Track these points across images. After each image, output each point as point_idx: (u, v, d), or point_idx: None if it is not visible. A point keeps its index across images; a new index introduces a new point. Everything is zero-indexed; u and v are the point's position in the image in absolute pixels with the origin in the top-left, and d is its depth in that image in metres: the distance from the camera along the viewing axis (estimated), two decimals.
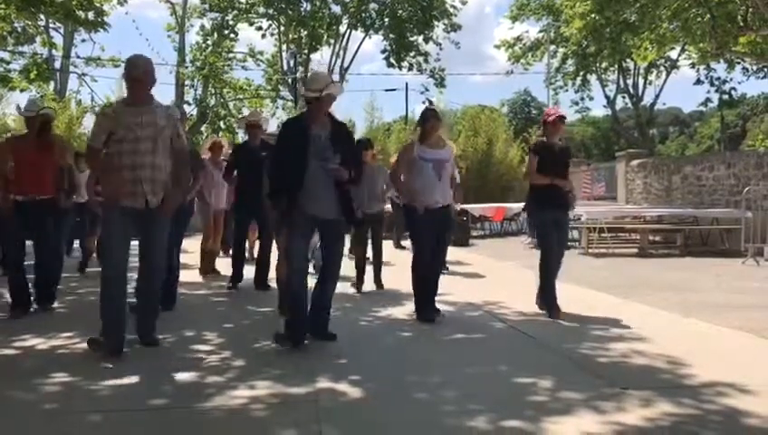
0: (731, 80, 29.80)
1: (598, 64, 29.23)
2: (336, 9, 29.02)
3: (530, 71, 32.10)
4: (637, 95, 31.67)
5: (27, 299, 6.37)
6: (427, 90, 29.82)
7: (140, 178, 4.78)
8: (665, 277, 9.40)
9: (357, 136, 22.80)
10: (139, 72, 4.85)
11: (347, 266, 8.63)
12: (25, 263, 6.44)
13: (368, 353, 4.98)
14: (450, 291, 7.53)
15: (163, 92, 29.74)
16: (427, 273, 6.17)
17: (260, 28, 29.36)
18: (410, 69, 29.47)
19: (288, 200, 4.99)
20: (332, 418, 3.50)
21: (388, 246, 8.43)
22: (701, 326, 5.81)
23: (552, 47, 30.45)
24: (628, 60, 26.74)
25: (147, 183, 4.80)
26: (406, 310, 6.53)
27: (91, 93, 29.08)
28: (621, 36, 19.86)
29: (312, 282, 5.21)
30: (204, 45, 29.30)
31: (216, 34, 29.11)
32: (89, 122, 23.57)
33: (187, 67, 28.38)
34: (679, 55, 27.80)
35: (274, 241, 6.73)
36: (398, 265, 7.84)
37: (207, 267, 9.27)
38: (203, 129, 28.91)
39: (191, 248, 9.80)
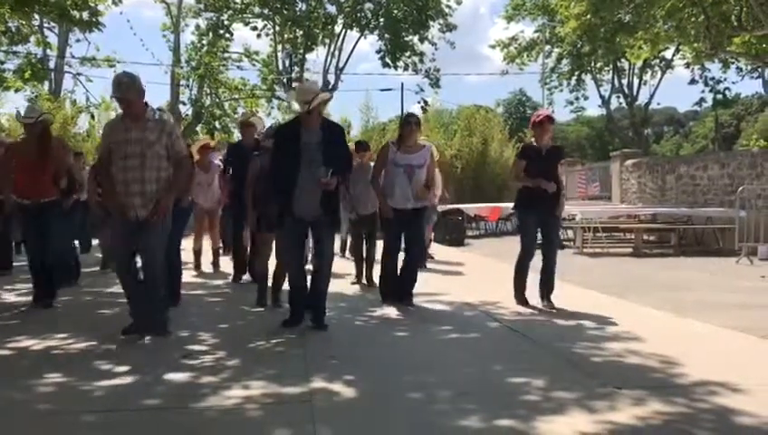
0: (725, 80, 30.11)
1: (593, 64, 29.29)
2: (331, 9, 29.01)
3: (525, 71, 32.19)
4: (631, 95, 31.75)
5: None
6: (422, 90, 29.87)
7: (131, 193, 5.07)
8: (659, 277, 9.43)
9: (352, 136, 22.88)
10: (121, 93, 5.06)
11: (347, 266, 8.76)
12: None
13: (362, 353, 4.98)
14: (445, 290, 7.57)
15: (158, 92, 29.73)
16: (394, 270, 6.70)
17: (255, 28, 29.33)
18: (406, 69, 29.47)
19: (280, 205, 5.47)
20: (327, 418, 3.51)
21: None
22: (695, 326, 5.83)
23: (548, 47, 30.51)
24: (622, 60, 26.81)
25: (136, 197, 5.08)
26: (401, 310, 6.54)
27: (86, 93, 28.96)
28: (616, 36, 19.91)
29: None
30: (199, 45, 29.27)
31: (211, 34, 29.07)
32: (83, 122, 23.57)
33: (182, 67, 28.33)
34: (674, 55, 27.87)
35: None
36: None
37: (197, 264, 9.66)
38: (198, 129, 28.88)
39: (187, 247, 9.87)
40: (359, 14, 28.85)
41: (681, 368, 4.36)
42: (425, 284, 7.23)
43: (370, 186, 7.64)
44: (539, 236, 6.79)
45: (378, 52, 29.37)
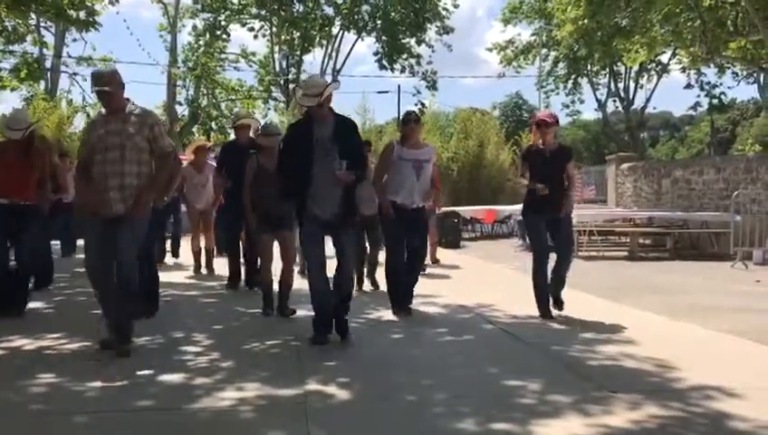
0: (721, 84, 30.03)
1: (589, 68, 29.34)
2: (329, 10, 29.08)
3: (521, 74, 32.25)
4: (627, 99, 31.83)
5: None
6: (419, 92, 29.94)
7: (109, 187, 4.81)
8: (654, 280, 9.44)
9: None
10: (101, 85, 4.88)
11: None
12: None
13: (357, 355, 4.97)
14: (441, 293, 7.56)
15: (155, 93, 29.77)
16: (400, 272, 6.47)
17: (252, 29, 29.39)
18: (402, 71, 29.57)
19: (297, 205, 5.26)
20: (321, 419, 3.49)
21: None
22: (690, 329, 5.83)
23: (544, 50, 30.56)
24: (619, 63, 26.87)
25: (115, 191, 4.82)
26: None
27: (82, 93, 28.94)
28: (612, 40, 19.95)
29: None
30: (196, 46, 29.28)
31: (208, 35, 29.10)
32: (79, 122, 23.52)
33: (178, 67, 28.32)
34: (670, 59, 27.96)
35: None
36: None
37: (197, 266, 9.56)
38: (194, 129, 28.87)
39: (186, 249, 9.94)
40: (356, 16, 28.92)
41: (676, 372, 4.36)
42: (420, 286, 7.21)
43: (369, 186, 7.56)
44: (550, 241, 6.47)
45: (375, 54, 29.45)
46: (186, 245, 10.37)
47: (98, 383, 4.08)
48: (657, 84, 31.50)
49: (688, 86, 30.20)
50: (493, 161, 22.68)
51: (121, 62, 24.58)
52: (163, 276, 7.11)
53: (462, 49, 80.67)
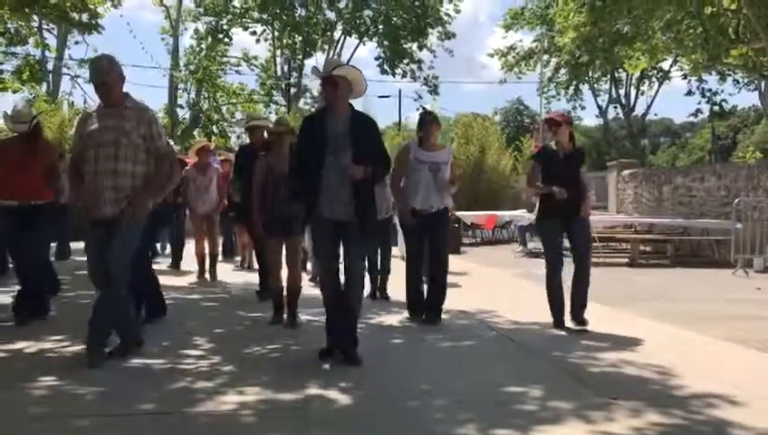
0: (722, 91, 30.20)
1: (590, 74, 29.40)
2: (331, 15, 29.13)
3: (523, 80, 32.31)
4: (628, 105, 31.92)
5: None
6: (420, 97, 29.98)
7: (101, 187, 4.51)
8: (655, 287, 9.44)
9: None
10: (100, 77, 4.60)
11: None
12: None
13: None
14: None
15: (156, 96, 29.76)
16: (419, 280, 6.30)
17: (254, 33, 29.46)
18: (404, 76, 29.63)
19: (307, 204, 4.80)
20: (321, 424, 3.50)
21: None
22: (691, 337, 5.83)
23: (546, 57, 30.61)
24: (620, 70, 26.92)
25: (108, 191, 4.52)
26: (398, 317, 6.53)
27: (83, 95, 28.98)
28: (614, 47, 19.98)
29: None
30: (198, 49, 29.34)
31: (210, 38, 29.16)
32: None
33: (180, 71, 28.37)
34: (671, 66, 28.06)
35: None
36: (394, 272, 7.75)
37: (201, 270, 9.37)
38: (195, 132, 28.90)
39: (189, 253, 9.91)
40: (358, 21, 28.97)
41: (677, 379, 4.36)
42: None
43: (382, 189, 7.00)
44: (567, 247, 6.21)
45: (376, 59, 29.50)
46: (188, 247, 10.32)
47: (99, 387, 4.08)
48: (658, 91, 31.71)
49: (689, 93, 30.34)
50: (494, 167, 22.71)
51: (123, 64, 24.46)
52: (165, 280, 7.11)
53: (463, 54, 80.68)
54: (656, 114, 41.64)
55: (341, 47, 29.96)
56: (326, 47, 29.83)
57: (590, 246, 6.27)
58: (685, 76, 27.03)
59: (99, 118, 4.62)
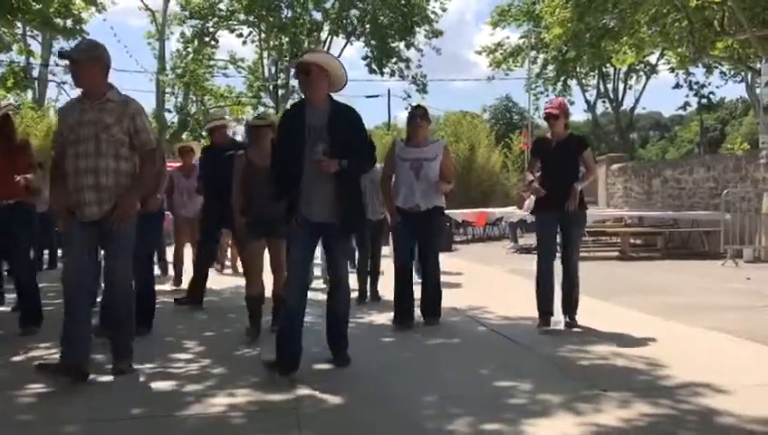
0: (709, 84, 30.26)
1: (578, 69, 29.45)
2: (317, 16, 29.09)
3: (511, 76, 32.35)
4: (617, 100, 32.00)
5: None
6: (409, 96, 29.98)
7: (82, 186, 4.19)
8: (645, 280, 9.48)
9: None
10: (75, 55, 4.27)
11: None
12: None
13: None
14: None
15: (144, 100, 29.60)
16: (404, 281, 6.03)
17: (241, 35, 29.40)
18: (392, 75, 29.62)
19: (287, 204, 4.47)
20: (312, 424, 3.49)
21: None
22: (680, 328, 5.85)
23: (533, 53, 30.65)
24: (608, 65, 27.01)
25: (90, 191, 4.19)
26: (388, 316, 6.51)
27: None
28: (601, 42, 20.03)
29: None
30: (184, 53, 29.24)
31: (196, 42, 29.06)
32: None
33: (167, 75, 28.27)
34: (658, 60, 28.14)
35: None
36: (386, 271, 7.72)
37: (179, 279, 8.98)
38: (184, 136, 28.82)
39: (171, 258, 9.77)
40: (344, 21, 28.94)
41: (667, 370, 4.37)
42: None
43: (374, 188, 6.98)
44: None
45: (364, 58, 29.48)
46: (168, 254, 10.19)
47: (88, 392, 4.06)
48: (645, 85, 31.79)
49: (677, 86, 30.42)
50: (483, 164, 22.78)
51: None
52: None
53: (451, 52, 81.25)
54: (644, 108, 41.96)
55: (329, 47, 29.86)
56: (313, 48, 29.76)
57: (578, 246, 6.03)
58: (672, 69, 27.10)
59: (79, 112, 4.29)
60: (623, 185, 17.95)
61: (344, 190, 4.39)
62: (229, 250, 10.91)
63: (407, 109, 29.12)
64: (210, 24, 29.23)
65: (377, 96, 34.72)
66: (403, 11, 28.48)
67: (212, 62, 30.32)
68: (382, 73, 29.54)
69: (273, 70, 30.30)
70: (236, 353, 5.11)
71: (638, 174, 17.41)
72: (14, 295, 6.41)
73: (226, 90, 30.79)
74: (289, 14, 29.12)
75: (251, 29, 29.51)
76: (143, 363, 4.73)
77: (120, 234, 4.27)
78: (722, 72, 29.10)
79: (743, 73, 27.46)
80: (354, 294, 7.34)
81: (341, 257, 4.68)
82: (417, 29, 29.09)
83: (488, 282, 9.69)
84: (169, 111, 29.31)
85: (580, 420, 3.43)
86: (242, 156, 5.75)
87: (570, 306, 5.85)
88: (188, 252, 8.77)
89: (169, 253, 10.11)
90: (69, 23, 15.35)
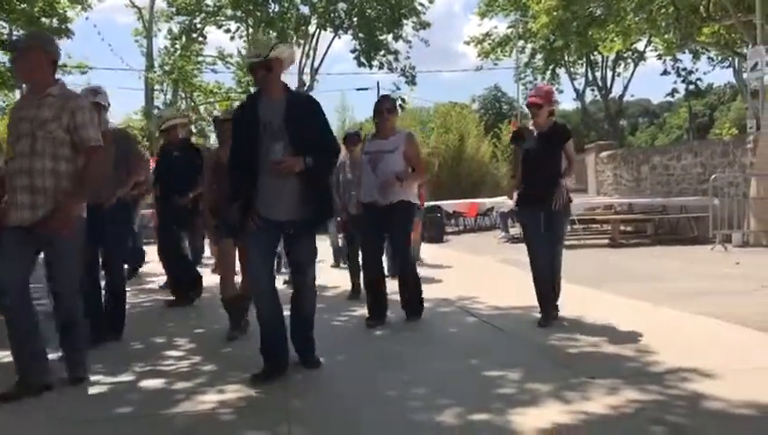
0: (697, 70, 30.36)
1: (566, 58, 29.50)
2: (304, 9, 28.92)
3: (499, 66, 32.33)
4: (605, 87, 32.04)
5: None
6: (398, 88, 29.87)
7: (16, 188, 3.85)
8: (636, 267, 9.52)
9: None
10: (23, 48, 4.00)
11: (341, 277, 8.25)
12: None
13: (339, 352, 4.94)
14: (424, 288, 7.54)
15: (133, 98, 29.48)
16: (372, 277, 5.87)
17: (228, 30, 29.20)
18: (381, 68, 29.46)
19: (242, 206, 4.16)
20: (302, 419, 3.50)
21: None
22: (670, 314, 5.88)
23: (521, 42, 30.66)
24: (595, 53, 27.05)
25: (23, 193, 3.83)
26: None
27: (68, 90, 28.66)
28: (588, 30, 20.06)
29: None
30: (172, 50, 29.08)
31: (184, 38, 28.90)
32: None
33: (155, 72, 28.13)
34: (646, 47, 28.18)
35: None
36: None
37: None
38: None
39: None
40: (332, 15, 28.80)
41: (655, 356, 4.39)
42: None
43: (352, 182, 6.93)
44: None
45: (352, 51, 29.36)
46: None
47: (76, 392, 4.04)
48: (634, 72, 31.81)
49: (665, 73, 30.53)
50: (473, 155, 22.81)
51: (97, 68, 24.42)
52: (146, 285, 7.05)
53: (439, 44, 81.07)
54: (633, 95, 41.96)
55: (317, 41, 29.79)
56: (301, 42, 29.65)
57: (562, 236, 5.85)
58: (659, 56, 27.18)
59: (19, 108, 3.98)
60: (613, 172, 18.00)
61: (308, 187, 4.12)
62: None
63: (396, 100, 29.13)
64: (197, 20, 29.03)
65: (366, 89, 34.59)
66: (390, 3, 28.35)
67: (200, 59, 30.17)
68: (371, 66, 29.43)
69: None
70: (226, 350, 5.10)
71: (628, 161, 17.46)
72: None
73: (215, 86, 30.68)
74: (276, 9, 28.94)
75: (238, 24, 29.36)
76: (134, 362, 4.73)
77: (58, 246, 3.90)
78: (709, 58, 29.23)
79: (730, 59, 27.50)
80: (347, 288, 7.51)
81: (306, 259, 4.34)
82: (405, 21, 28.96)
83: (479, 272, 9.70)
84: (159, 108, 29.15)
85: (569, 408, 3.45)
86: (213, 153, 5.62)
87: (552, 293, 5.68)
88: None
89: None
90: (55, 22, 15.25)
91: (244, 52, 25.87)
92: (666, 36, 18.48)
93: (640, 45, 27.88)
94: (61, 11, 15.88)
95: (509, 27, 31.14)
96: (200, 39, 29.60)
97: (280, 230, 4.26)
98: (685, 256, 10.48)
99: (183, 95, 30.44)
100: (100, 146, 4.02)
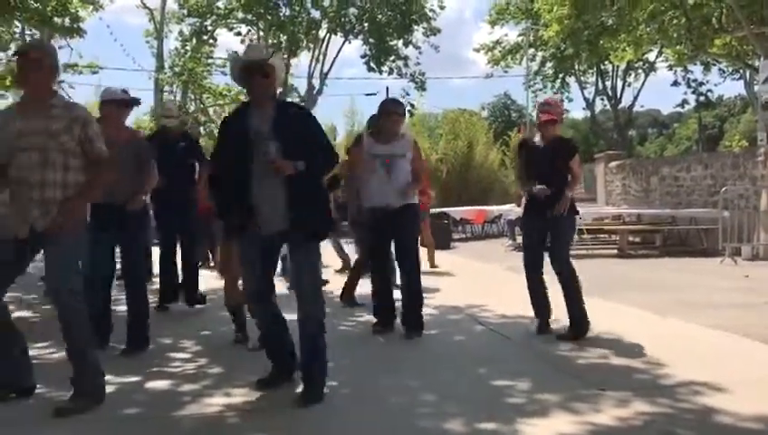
0: (707, 81, 30.24)
1: (576, 67, 29.45)
2: (315, 14, 29.00)
3: (509, 74, 32.31)
4: (615, 97, 31.94)
5: None
6: (407, 94, 29.87)
7: (25, 201, 3.73)
8: (644, 278, 9.46)
9: (338, 142, 22.71)
10: (24, 58, 3.89)
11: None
12: None
13: (345, 358, 4.92)
14: (431, 294, 7.52)
15: (142, 98, 29.52)
16: (381, 285, 5.82)
17: (239, 33, 29.29)
18: (390, 73, 29.49)
19: (236, 219, 3.99)
20: (308, 423, 3.49)
21: None
22: (679, 326, 5.84)
23: (531, 50, 30.64)
24: (606, 62, 26.99)
25: (35, 206, 3.72)
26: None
27: (68, 99, 28.78)
28: (599, 39, 20.01)
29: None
30: (182, 51, 29.18)
31: (194, 40, 29.01)
32: None
33: (165, 73, 28.23)
34: (657, 57, 28.10)
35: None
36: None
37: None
38: None
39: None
40: (343, 19, 28.85)
41: (665, 368, 4.37)
42: None
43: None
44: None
45: (362, 56, 29.40)
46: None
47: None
48: (644, 82, 31.66)
49: (675, 84, 30.46)
50: (482, 162, 22.75)
51: (108, 68, 24.54)
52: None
53: (449, 50, 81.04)
54: (642, 105, 41.82)
55: (327, 46, 29.83)
56: (311, 46, 29.71)
57: (566, 245, 5.76)
58: (670, 67, 27.12)
59: (21, 118, 3.81)
60: (621, 182, 17.93)
61: (299, 194, 3.87)
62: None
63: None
64: (208, 22, 29.15)
65: (375, 94, 34.67)
66: (401, 9, 28.40)
67: (210, 61, 30.24)
68: (381, 71, 29.47)
69: None
70: (233, 352, 5.09)
71: (637, 172, 17.39)
72: None
73: (225, 88, 30.72)
74: (287, 13, 29.01)
75: (249, 27, 29.43)
76: (140, 362, 4.73)
77: (59, 242, 3.75)
78: (720, 70, 29.12)
79: (741, 71, 27.42)
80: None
81: (307, 267, 4.03)
82: (416, 27, 29.00)
83: (487, 280, 9.67)
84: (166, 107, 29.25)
85: (577, 419, 3.42)
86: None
87: (573, 316, 5.50)
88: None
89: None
90: (67, 21, 15.28)
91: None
92: (677, 47, 18.40)
93: (651, 56, 27.83)
94: (73, 10, 15.88)
95: (519, 35, 31.15)
96: (211, 41, 29.72)
97: (275, 243, 4.09)
98: (694, 268, 10.42)
99: (192, 97, 30.50)
100: (108, 158, 3.96)
